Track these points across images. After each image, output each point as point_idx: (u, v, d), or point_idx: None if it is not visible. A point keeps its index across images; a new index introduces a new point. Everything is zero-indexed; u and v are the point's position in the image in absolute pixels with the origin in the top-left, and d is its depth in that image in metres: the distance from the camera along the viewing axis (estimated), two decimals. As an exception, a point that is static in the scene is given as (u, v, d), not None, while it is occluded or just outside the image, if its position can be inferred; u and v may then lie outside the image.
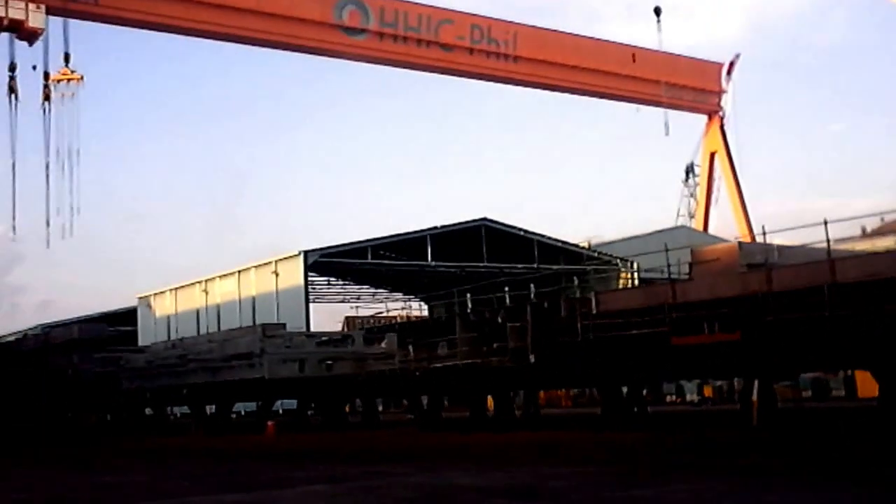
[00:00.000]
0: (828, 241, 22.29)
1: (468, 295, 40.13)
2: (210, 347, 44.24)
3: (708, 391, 47.97)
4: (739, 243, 24.41)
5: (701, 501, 12.20)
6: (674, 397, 51.07)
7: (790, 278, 22.25)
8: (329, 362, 41.96)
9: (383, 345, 45.12)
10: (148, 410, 54.32)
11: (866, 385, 38.80)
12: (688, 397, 50.18)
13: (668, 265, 25.23)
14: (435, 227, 59.18)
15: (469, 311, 36.51)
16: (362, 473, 18.40)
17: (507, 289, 47.52)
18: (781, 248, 24.26)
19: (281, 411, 53.52)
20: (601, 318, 26.68)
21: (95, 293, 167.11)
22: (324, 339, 45.20)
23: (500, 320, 31.29)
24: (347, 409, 50.84)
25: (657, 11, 63.04)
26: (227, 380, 42.91)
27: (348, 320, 72.31)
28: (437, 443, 28.18)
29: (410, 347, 37.49)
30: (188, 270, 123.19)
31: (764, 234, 23.34)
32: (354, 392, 42.83)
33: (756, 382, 24.85)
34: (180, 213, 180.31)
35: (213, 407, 48.54)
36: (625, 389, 30.96)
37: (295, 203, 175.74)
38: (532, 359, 29.42)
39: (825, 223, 21.84)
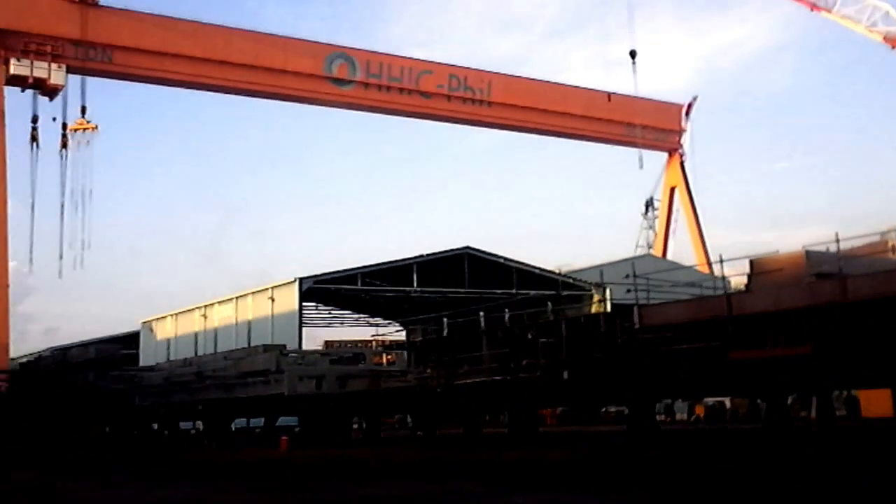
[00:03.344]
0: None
1: (481, 314, 36.78)
2: (225, 365, 40.72)
3: (700, 410, 44.66)
4: (807, 252, 21.29)
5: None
6: (663, 416, 47.58)
7: (867, 288, 19.32)
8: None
9: (393, 361, 42.01)
10: (155, 426, 50.84)
11: (870, 405, 35.82)
12: (677, 416, 46.89)
13: (724, 278, 22.12)
14: (421, 256, 56.28)
15: (499, 327, 33.03)
16: (440, 491, 15.09)
17: (482, 313, 44.32)
18: (847, 259, 21.16)
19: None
20: (645, 333, 23.60)
21: (96, 321, 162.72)
22: (335, 357, 41.89)
23: (530, 336, 28.10)
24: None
25: (632, 54, 61.74)
26: (240, 396, 39.55)
27: (328, 344, 69.29)
28: (470, 459, 24.48)
29: (430, 364, 34.18)
30: (181, 299, 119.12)
31: (837, 241, 20.23)
32: (367, 408, 39.23)
33: (815, 398, 21.69)
34: (176, 247, 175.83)
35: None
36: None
37: (283, 236, 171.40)
38: (566, 375, 26.25)
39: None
